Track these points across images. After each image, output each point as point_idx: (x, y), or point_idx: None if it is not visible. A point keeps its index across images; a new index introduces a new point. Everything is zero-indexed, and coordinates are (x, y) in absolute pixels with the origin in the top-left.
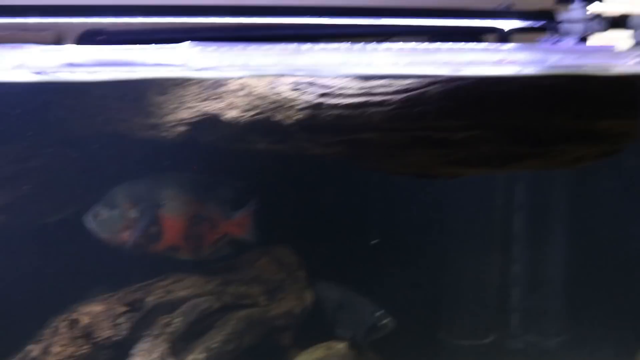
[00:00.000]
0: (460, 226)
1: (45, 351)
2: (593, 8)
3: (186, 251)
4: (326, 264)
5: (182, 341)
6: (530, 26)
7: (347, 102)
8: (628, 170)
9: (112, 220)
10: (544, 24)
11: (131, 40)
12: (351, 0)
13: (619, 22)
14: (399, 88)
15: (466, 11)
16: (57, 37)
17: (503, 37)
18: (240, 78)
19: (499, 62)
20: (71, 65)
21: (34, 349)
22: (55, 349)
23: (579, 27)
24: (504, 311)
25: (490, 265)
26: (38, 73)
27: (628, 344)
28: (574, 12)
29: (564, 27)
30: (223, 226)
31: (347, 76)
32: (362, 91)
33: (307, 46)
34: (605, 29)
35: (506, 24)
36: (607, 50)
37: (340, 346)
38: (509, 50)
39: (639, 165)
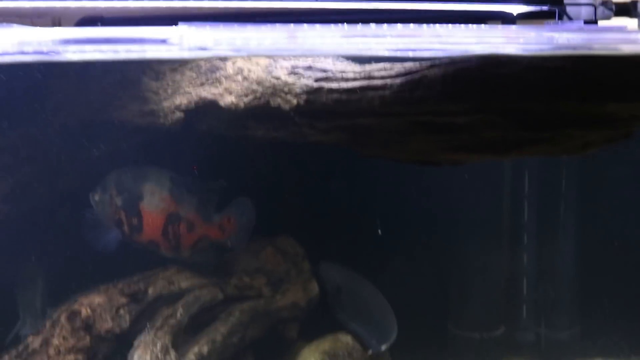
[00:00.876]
0: (470, 216)
1: (46, 342)
2: None
3: (165, 248)
4: (332, 255)
5: (184, 333)
6: (537, 10)
7: (347, 87)
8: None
9: (103, 204)
10: (551, 8)
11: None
12: None
13: (627, 9)
14: (399, 71)
15: None
16: (54, 23)
17: (510, 21)
18: (236, 60)
19: (504, 42)
20: (65, 42)
21: (34, 340)
22: (56, 340)
23: (586, 12)
24: (515, 303)
25: (501, 256)
26: (34, 52)
27: None
28: None
29: (571, 11)
30: (201, 229)
31: (346, 57)
32: (362, 75)
33: (305, 27)
34: (612, 16)
35: (513, 9)
36: (616, 30)
37: (348, 338)
38: (513, 30)
39: None
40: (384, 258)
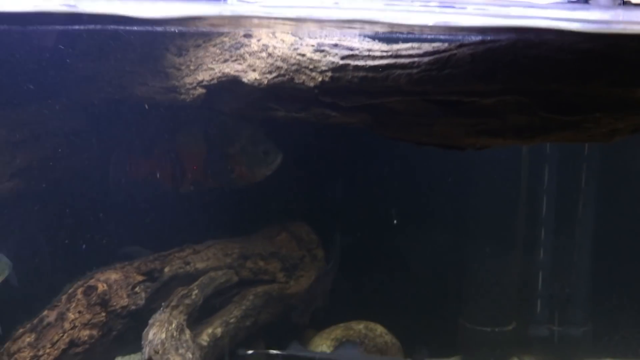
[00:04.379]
0: (486, 211)
1: (61, 317)
2: None
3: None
4: (347, 245)
5: (199, 313)
6: None
7: (373, 64)
8: None
9: None
10: None
11: None
12: None
13: None
14: (427, 50)
15: None
16: None
17: None
18: (261, 36)
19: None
20: None
21: (50, 315)
22: (71, 315)
23: None
24: (528, 298)
25: (516, 251)
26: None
27: None
28: None
29: None
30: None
31: (373, 37)
32: (389, 53)
33: None
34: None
35: None
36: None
37: (360, 327)
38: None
39: None
40: (401, 253)
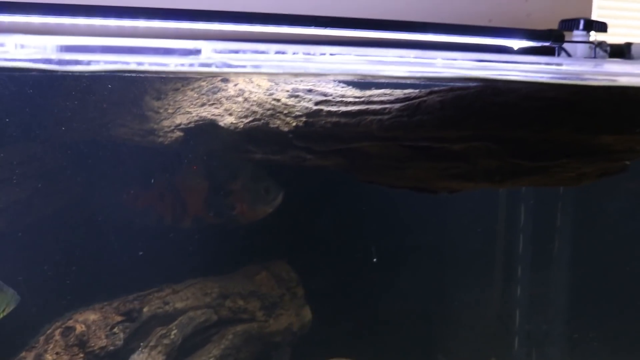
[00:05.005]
0: (464, 247)
1: (39, 358)
2: (596, 36)
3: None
4: (323, 280)
5: (177, 354)
6: (537, 46)
7: (346, 110)
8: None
9: None
10: (552, 44)
11: None
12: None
13: (621, 50)
14: (398, 97)
15: (472, 28)
16: None
17: None
18: (238, 82)
19: (504, 70)
20: (69, 49)
21: (27, 356)
22: (49, 356)
23: (583, 51)
24: (506, 334)
25: (494, 287)
26: (38, 61)
27: None
28: (577, 37)
29: (570, 49)
30: None
31: (349, 83)
32: (361, 99)
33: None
34: (607, 57)
35: (514, 43)
36: (613, 62)
37: None
38: (514, 58)
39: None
40: (380, 290)
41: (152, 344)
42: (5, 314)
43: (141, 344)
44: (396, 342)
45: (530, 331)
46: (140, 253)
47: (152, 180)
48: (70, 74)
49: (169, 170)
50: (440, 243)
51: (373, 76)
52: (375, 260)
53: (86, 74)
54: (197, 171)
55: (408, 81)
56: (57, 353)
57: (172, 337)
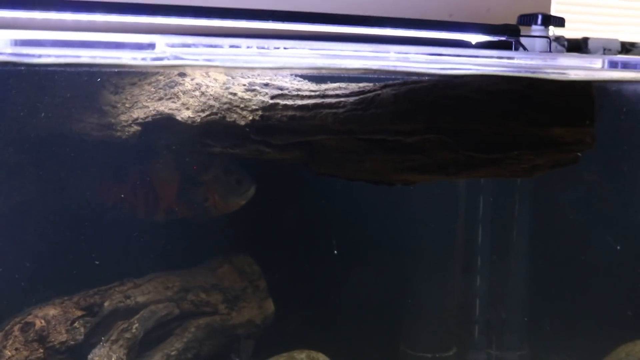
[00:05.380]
0: (424, 237)
1: None
2: (554, 31)
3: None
4: (285, 272)
5: (139, 348)
6: (495, 40)
7: (301, 104)
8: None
9: None
10: (508, 39)
11: None
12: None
13: (578, 45)
14: (353, 90)
15: (431, 22)
16: None
17: None
18: (195, 76)
19: (459, 63)
20: (24, 43)
21: None
22: (8, 352)
23: (541, 45)
24: (467, 323)
25: (454, 277)
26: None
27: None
28: (536, 32)
29: (527, 43)
30: None
31: (305, 77)
32: (317, 93)
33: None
34: (565, 51)
35: (472, 38)
36: (564, 56)
37: (302, 355)
38: (469, 52)
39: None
40: (342, 281)
41: (113, 338)
42: None
43: (102, 338)
44: (359, 333)
45: (490, 320)
46: (100, 249)
47: (123, 174)
48: (24, 67)
49: (136, 164)
50: (400, 235)
51: (328, 69)
52: (336, 252)
53: (39, 68)
54: (168, 163)
55: (363, 75)
56: (16, 349)
57: (133, 331)
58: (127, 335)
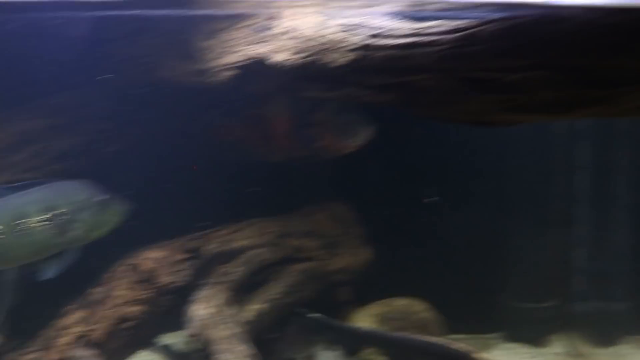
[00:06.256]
0: (523, 189)
1: (109, 294)
2: None
3: None
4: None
5: (241, 290)
6: None
7: (397, 43)
8: None
9: None
10: None
11: None
12: None
13: None
14: (450, 28)
15: None
16: None
17: None
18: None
19: None
20: None
21: (97, 292)
22: (119, 292)
23: None
24: (569, 274)
25: (554, 228)
26: None
27: None
28: None
29: None
30: None
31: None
32: (413, 32)
33: None
34: None
35: None
36: None
37: (402, 302)
38: None
39: None
40: (444, 232)
41: (216, 280)
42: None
43: (206, 280)
44: (460, 282)
45: (594, 270)
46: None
47: (240, 116)
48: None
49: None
50: (503, 184)
51: (424, 4)
52: (433, 201)
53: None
54: (279, 104)
55: (461, 12)
56: (126, 289)
57: (236, 273)
58: (229, 278)
